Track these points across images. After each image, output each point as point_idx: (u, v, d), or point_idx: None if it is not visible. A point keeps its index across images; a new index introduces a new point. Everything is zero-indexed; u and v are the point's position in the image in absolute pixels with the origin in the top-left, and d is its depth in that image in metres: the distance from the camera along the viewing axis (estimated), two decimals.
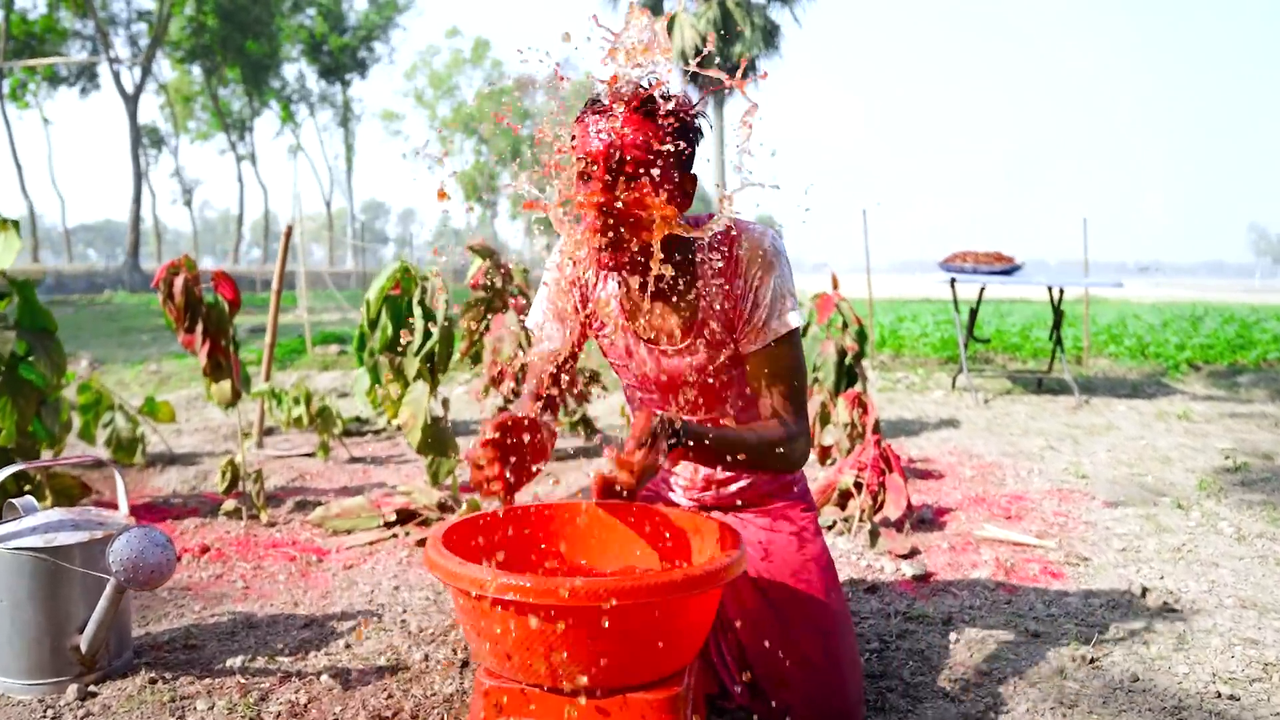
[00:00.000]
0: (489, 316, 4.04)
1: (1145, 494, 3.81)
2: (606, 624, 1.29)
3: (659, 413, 1.47)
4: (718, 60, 25.83)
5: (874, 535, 3.01)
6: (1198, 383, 7.64)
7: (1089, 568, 2.87)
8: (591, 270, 1.62)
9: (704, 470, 1.89)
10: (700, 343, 1.71)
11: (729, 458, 1.57)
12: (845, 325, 4.56)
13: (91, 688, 1.92)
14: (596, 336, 1.83)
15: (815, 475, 3.96)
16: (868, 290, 8.47)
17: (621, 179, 1.52)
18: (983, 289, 6.42)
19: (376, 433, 4.98)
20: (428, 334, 3.16)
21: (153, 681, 1.95)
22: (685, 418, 1.55)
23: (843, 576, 2.72)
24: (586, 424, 4.65)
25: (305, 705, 1.87)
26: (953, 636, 2.30)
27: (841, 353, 4.52)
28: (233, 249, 50.50)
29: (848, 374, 4.53)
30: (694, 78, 26.70)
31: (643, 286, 1.65)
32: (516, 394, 4.28)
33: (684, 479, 1.92)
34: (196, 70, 44.34)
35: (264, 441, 4.50)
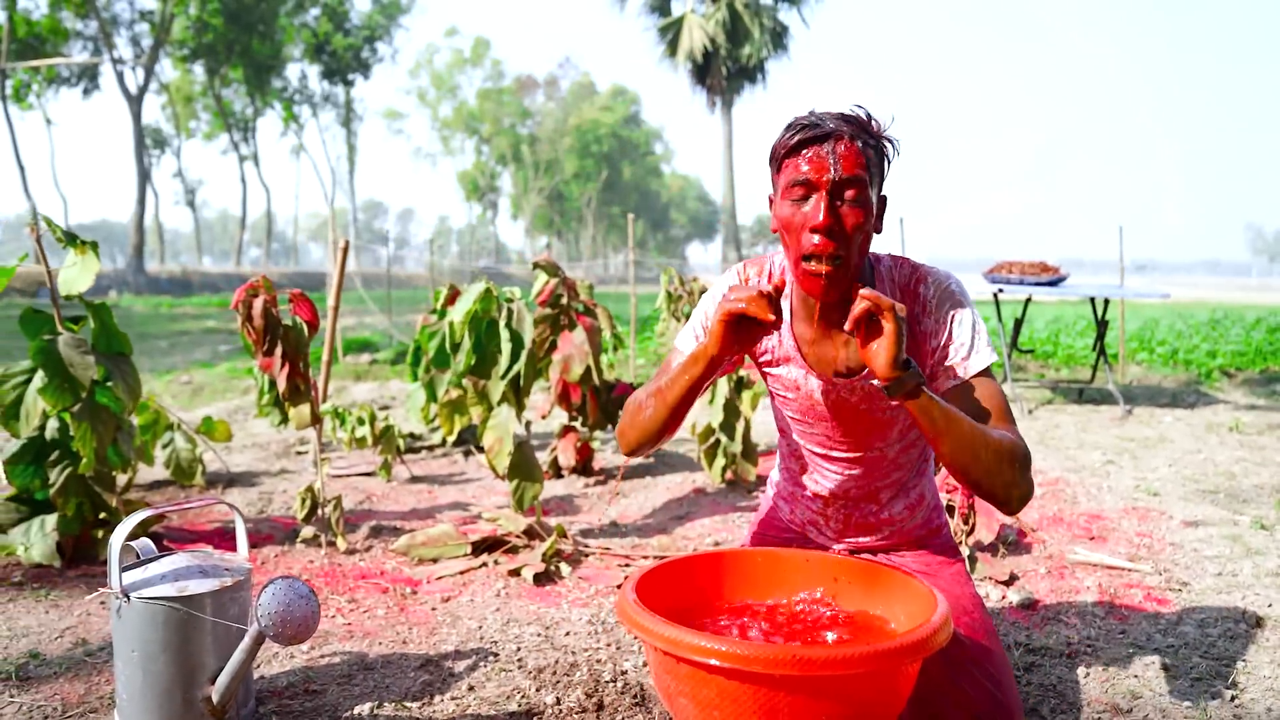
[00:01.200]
0: (555, 334, 3.99)
1: (1221, 513, 3.77)
2: (849, 691, 1.25)
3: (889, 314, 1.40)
4: (728, 62, 25.83)
5: (973, 561, 2.96)
6: (1235, 391, 7.60)
7: (1191, 593, 2.82)
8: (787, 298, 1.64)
9: (853, 525, 1.84)
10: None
11: (961, 446, 1.45)
12: None
13: None
14: (760, 366, 1.78)
15: None
16: None
17: (845, 200, 1.50)
18: (1028, 300, 6.38)
19: (430, 449, 4.92)
20: (514, 357, 3.10)
21: None
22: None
23: None
24: None
25: None
26: (1080, 670, 2.25)
27: None
28: (235, 250, 50.41)
29: None
30: (701, 79, 26.61)
31: (832, 318, 1.62)
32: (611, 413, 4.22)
33: (834, 525, 1.87)
34: (199, 70, 44.22)
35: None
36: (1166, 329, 13.08)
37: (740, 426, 3.95)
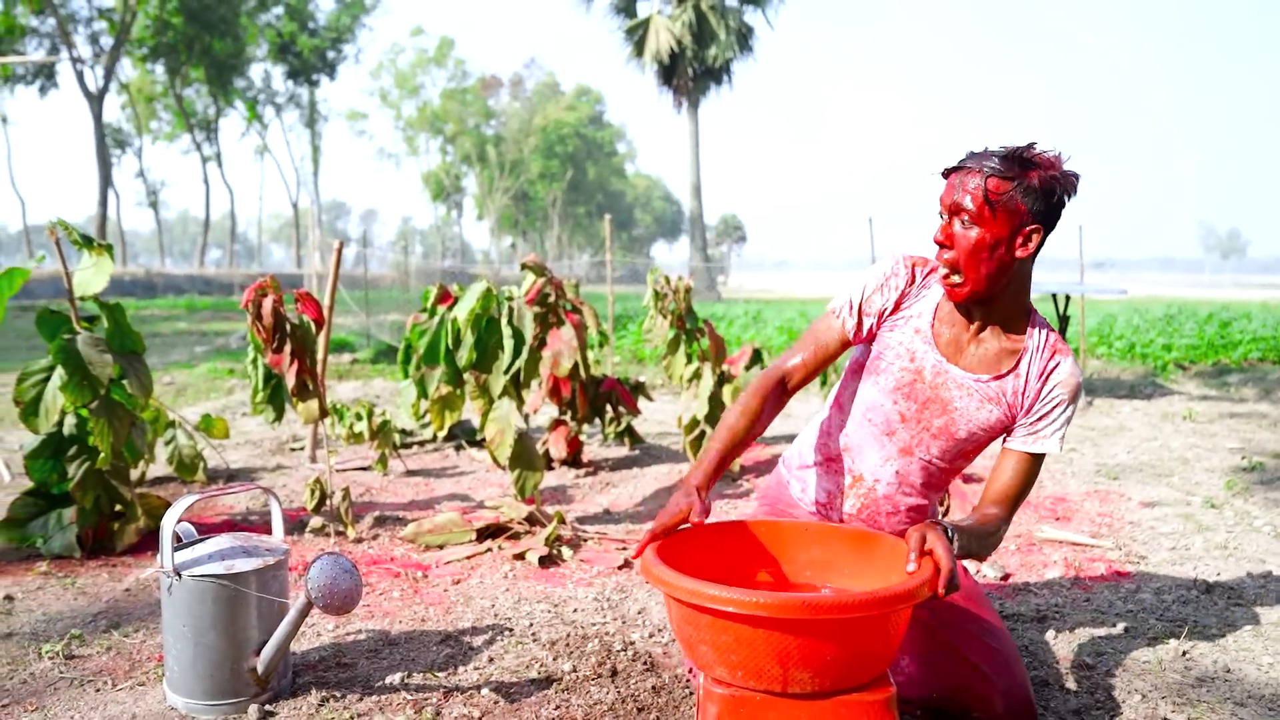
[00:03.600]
0: (544, 331, 4.15)
1: (1175, 494, 4.02)
2: (840, 633, 1.44)
3: (933, 525, 1.62)
4: (694, 63, 26.08)
5: None
6: (1190, 383, 7.94)
7: (1148, 565, 3.06)
8: (928, 285, 1.92)
9: (865, 513, 2.01)
10: (989, 384, 1.87)
11: (979, 545, 1.74)
12: None
13: (268, 707, 2.02)
14: (882, 322, 1.95)
15: None
16: None
17: (967, 222, 1.75)
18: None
19: (421, 444, 5.06)
20: (516, 353, 3.26)
21: (324, 700, 2.05)
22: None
23: None
24: (632, 435, 4.78)
25: (480, 719, 1.98)
26: (1050, 634, 2.47)
27: None
28: (197, 251, 49.81)
29: None
30: (667, 80, 26.69)
31: (969, 311, 1.87)
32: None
33: (847, 508, 2.03)
34: (159, 70, 43.64)
35: (316, 456, 4.57)
36: (1124, 324, 13.51)
37: None
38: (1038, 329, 1.88)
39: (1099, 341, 10.46)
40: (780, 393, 1.97)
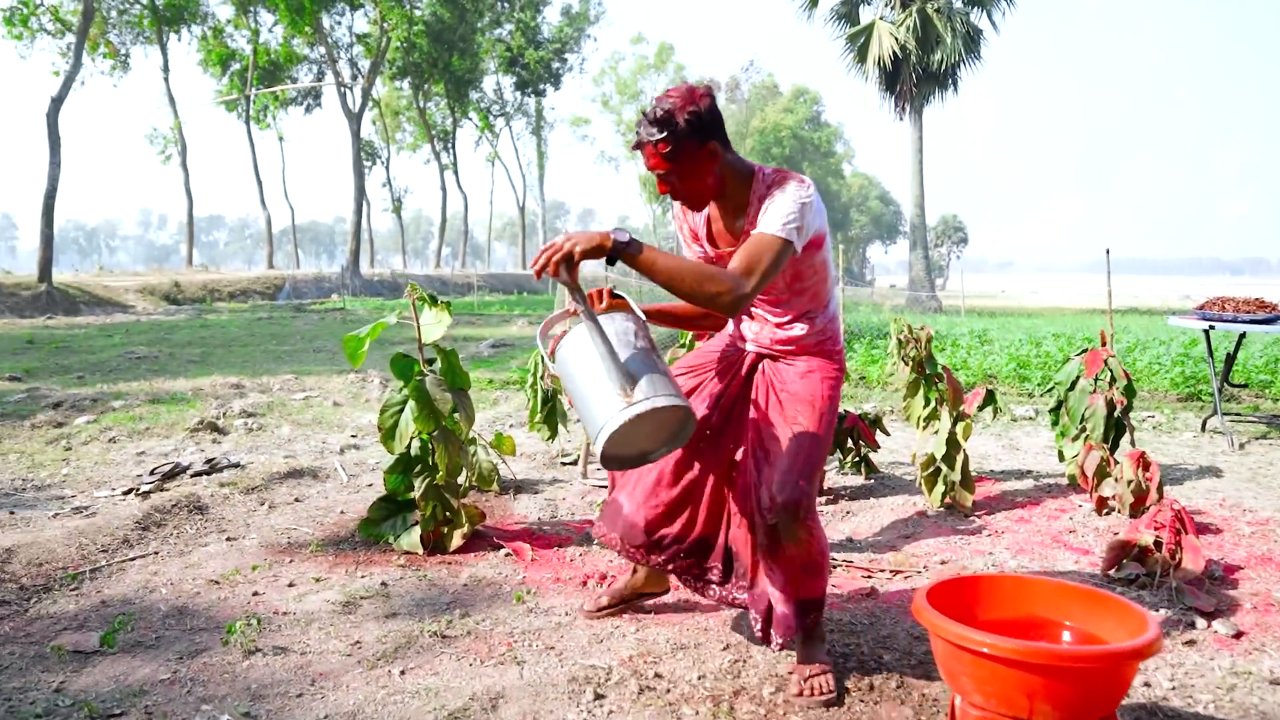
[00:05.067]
0: None
1: None
2: (1085, 680, 1.82)
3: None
4: (918, 68, 25.65)
5: (1179, 592, 3.37)
6: None
7: None
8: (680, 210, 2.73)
9: (768, 332, 2.76)
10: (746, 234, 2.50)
11: (662, 277, 2.22)
12: (1113, 380, 4.86)
13: None
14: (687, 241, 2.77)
15: (1096, 525, 4.31)
16: (1109, 326, 8.50)
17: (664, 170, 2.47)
18: (1242, 335, 6.47)
19: None
20: None
21: None
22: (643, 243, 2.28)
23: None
24: (868, 464, 5.16)
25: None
26: None
27: (1110, 405, 4.82)
28: (433, 253, 53.98)
29: (1116, 426, 4.84)
30: (890, 86, 26.29)
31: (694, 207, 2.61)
32: None
33: (752, 334, 2.80)
34: (405, 86, 47.67)
35: (587, 472, 5.25)
36: None
37: (960, 458, 4.44)
38: (756, 183, 2.52)
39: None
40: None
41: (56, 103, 25.13)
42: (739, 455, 2.79)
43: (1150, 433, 6.86)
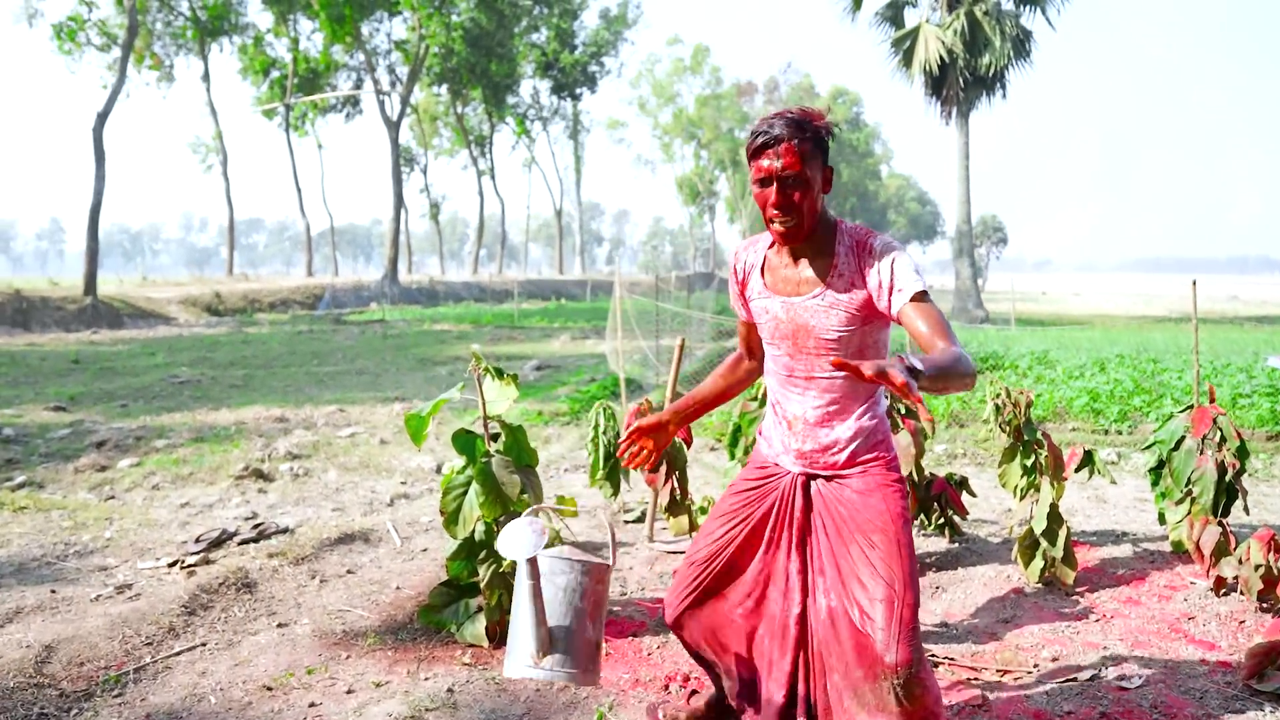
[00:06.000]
0: None
1: None
2: None
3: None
4: (965, 72, 25.04)
5: None
6: None
7: None
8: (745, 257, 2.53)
9: (809, 444, 2.42)
10: (824, 294, 2.32)
11: (948, 373, 1.95)
12: (1223, 440, 4.46)
13: None
14: (747, 303, 2.55)
15: (1216, 609, 3.93)
16: (1194, 360, 8.05)
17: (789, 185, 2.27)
18: None
19: None
20: None
21: None
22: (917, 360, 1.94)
23: None
24: (952, 526, 4.81)
25: None
26: None
27: (1221, 469, 4.42)
28: (472, 259, 53.97)
29: (1228, 491, 4.44)
30: (936, 90, 25.76)
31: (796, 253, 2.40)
32: None
33: (794, 449, 2.45)
34: (443, 92, 47.73)
35: (653, 534, 4.95)
36: None
37: (1062, 533, 4.08)
38: (840, 234, 2.34)
39: None
40: (737, 363, 2.78)
41: (102, 118, 25.38)
42: (815, 604, 2.44)
43: (1246, 480, 6.41)
